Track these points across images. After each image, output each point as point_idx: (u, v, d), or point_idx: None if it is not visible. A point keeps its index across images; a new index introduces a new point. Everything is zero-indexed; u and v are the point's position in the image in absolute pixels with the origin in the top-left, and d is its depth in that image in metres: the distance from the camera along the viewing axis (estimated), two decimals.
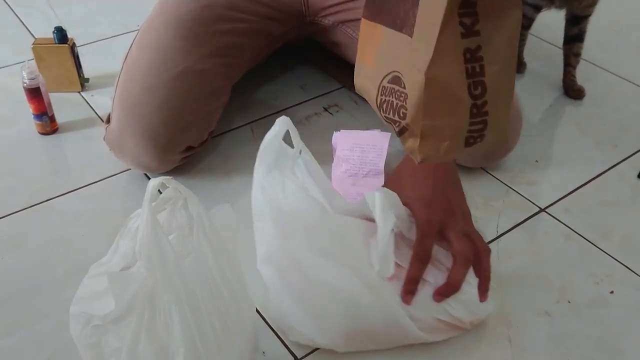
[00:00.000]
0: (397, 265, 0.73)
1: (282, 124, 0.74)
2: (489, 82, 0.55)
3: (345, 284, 0.71)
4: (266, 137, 0.75)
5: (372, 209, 0.71)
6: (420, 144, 0.58)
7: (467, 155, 0.60)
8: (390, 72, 0.60)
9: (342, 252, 0.72)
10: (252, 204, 0.75)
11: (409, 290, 0.72)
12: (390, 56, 0.60)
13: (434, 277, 0.74)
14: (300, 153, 0.77)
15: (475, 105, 0.56)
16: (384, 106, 0.61)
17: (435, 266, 0.75)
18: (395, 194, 0.74)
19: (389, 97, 0.60)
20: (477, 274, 0.75)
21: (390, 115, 0.60)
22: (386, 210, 0.70)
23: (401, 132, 0.60)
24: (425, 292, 0.73)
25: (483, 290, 0.76)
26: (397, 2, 0.59)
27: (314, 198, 0.74)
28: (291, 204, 0.73)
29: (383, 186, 0.78)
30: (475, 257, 0.75)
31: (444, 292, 0.73)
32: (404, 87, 0.58)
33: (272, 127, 0.74)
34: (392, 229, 0.72)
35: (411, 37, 0.56)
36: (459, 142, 0.58)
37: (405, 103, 0.57)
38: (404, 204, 0.75)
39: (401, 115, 0.59)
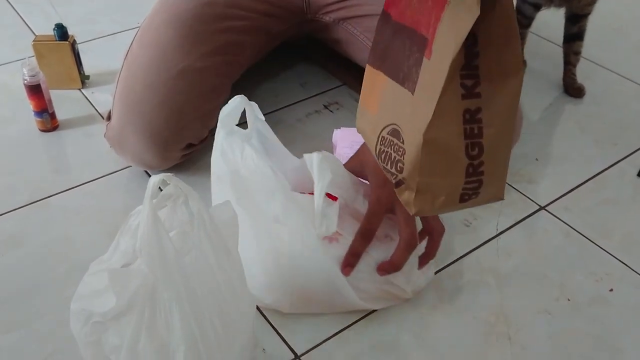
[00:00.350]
0: (339, 234, 0.76)
1: (241, 99, 0.78)
2: (486, 143, 0.56)
3: (293, 249, 0.74)
4: (226, 107, 0.78)
5: (310, 168, 0.73)
6: (415, 198, 0.59)
7: (462, 209, 0.62)
8: (391, 124, 0.61)
9: (292, 219, 0.74)
10: (212, 166, 0.79)
11: (349, 263, 0.75)
12: (391, 108, 0.61)
13: (376, 251, 0.76)
14: (255, 129, 0.81)
15: (472, 165, 0.57)
16: (382, 156, 0.62)
17: (380, 239, 0.77)
18: (338, 161, 0.77)
19: (388, 148, 0.61)
20: (426, 248, 0.78)
21: (388, 167, 0.61)
22: (323, 169, 0.72)
23: (397, 185, 0.61)
24: (366, 262, 0.76)
25: (423, 262, 0.79)
26: (400, 55, 0.60)
27: (270, 166, 0.76)
28: (249, 168, 0.75)
29: (350, 159, 0.80)
30: (427, 233, 0.78)
31: (386, 269, 0.76)
32: (403, 142, 0.59)
33: (231, 100, 0.78)
34: (338, 199, 0.75)
35: (412, 93, 0.57)
36: (454, 198, 0.59)
37: (403, 158, 0.59)
38: (364, 178, 0.77)
39: (398, 169, 0.60)
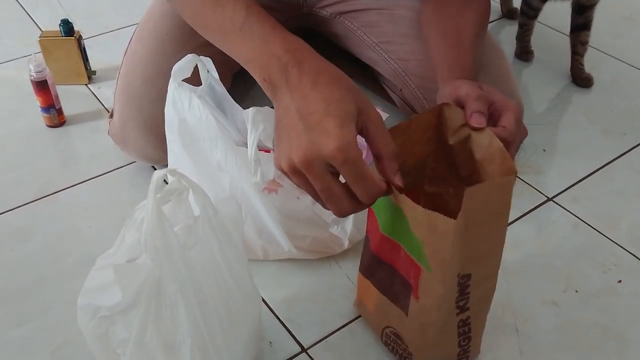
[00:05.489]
0: (279, 185, 0.81)
1: (193, 56, 0.79)
2: (473, 332, 0.69)
3: (233, 195, 0.77)
4: (179, 62, 0.79)
5: (246, 123, 0.77)
6: None
7: None
8: (391, 327, 0.72)
9: (233, 167, 0.79)
10: (165, 116, 0.83)
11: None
12: (387, 314, 0.71)
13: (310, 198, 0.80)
14: (208, 85, 0.83)
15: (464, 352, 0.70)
16: (390, 346, 0.74)
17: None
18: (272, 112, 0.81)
19: (393, 344, 0.73)
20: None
21: (396, 357, 0.74)
22: (256, 121, 0.77)
23: None
24: (302, 210, 0.79)
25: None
26: (385, 279, 0.69)
27: (214, 116, 0.79)
28: (195, 117, 0.79)
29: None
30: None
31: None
32: (407, 347, 0.70)
33: (184, 57, 0.79)
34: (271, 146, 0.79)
35: (407, 316, 0.67)
36: None
37: (411, 357, 0.71)
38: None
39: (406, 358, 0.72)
